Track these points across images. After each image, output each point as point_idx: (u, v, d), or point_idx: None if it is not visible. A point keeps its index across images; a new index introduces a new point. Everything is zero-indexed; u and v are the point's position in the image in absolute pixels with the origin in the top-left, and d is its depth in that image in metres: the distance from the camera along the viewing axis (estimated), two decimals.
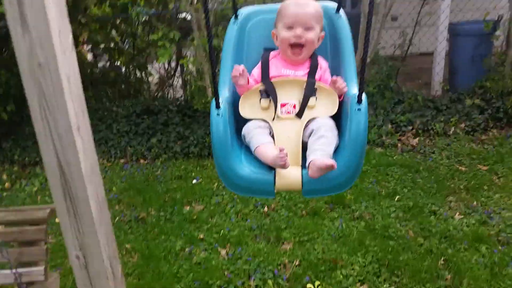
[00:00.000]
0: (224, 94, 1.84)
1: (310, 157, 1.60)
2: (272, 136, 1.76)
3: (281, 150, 1.55)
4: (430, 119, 5.24)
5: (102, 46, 6.39)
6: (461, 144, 4.85)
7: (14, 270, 2.13)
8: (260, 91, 1.78)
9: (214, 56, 1.65)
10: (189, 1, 4.77)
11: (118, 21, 6.38)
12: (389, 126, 5.17)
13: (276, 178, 1.63)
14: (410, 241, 3.26)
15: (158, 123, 5.59)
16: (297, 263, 3.16)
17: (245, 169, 1.70)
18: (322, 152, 1.57)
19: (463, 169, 4.31)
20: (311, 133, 1.69)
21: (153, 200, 4.23)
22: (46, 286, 2.24)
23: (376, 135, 5.06)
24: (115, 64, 6.89)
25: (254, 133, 1.75)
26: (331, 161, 1.51)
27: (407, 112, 5.33)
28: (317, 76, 1.81)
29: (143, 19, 5.26)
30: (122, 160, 5.26)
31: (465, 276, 2.83)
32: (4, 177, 5.11)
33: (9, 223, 2.28)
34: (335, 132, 1.69)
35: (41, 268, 2.22)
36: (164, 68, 6.47)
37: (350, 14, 6.12)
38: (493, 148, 4.68)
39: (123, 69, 6.73)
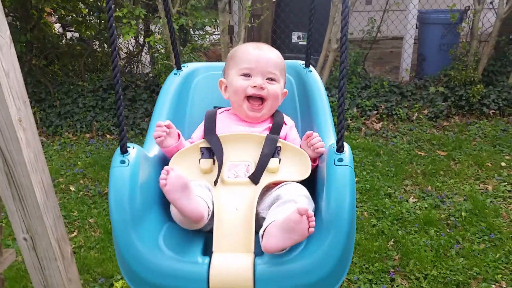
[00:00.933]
0: (151, 152, 1.44)
1: (269, 220, 1.14)
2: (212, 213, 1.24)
3: (164, 169, 1.12)
4: (395, 104, 5.38)
5: (68, 18, 6.25)
6: (423, 130, 5.01)
7: None
8: (200, 148, 1.36)
9: (121, 98, 1.23)
10: None
11: None
12: (355, 110, 5.28)
13: (211, 270, 1.10)
14: (364, 222, 3.40)
15: (125, 99, 5.54)
16: None
17: (160, 254, 1.16)
18: (293, 209, 1.07)
19: (422, 154, 4.47)
20: (272, 204, 1.24)
21: None
22: (1, 261, 2.26)
23: None
24: (83, 37, 6.75)
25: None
26: (309, 213, 1.03)
27: (372, 97, 5.45)
28: (281, 134, 1.45)
29: None
30: (87, 135, 5.23)
31: (412, 257, 2.98)
32: None
33: None
34: (311, 202, 1.23)
35: None
36: (131, 44, 6.38)
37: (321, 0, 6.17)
38: (453, 135, 4.86)
39: (90, 43, 6.60)
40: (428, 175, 4.07)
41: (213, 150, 1.35)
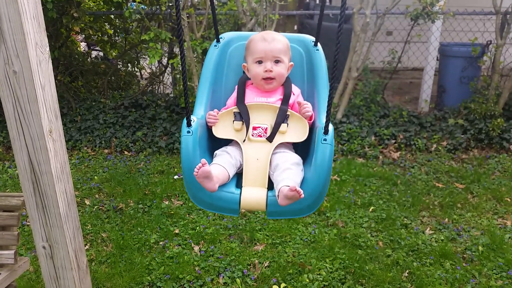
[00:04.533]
0: (199, 113, 1.91)
1: (278, 186, 1.64)
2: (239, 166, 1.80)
3: (203, 164, 1.57)
4: (414, 134, 5.34)
5: (95, 38, 6.45)
6: (441, 161, 4.95)
7: None
8: (234, 113, 1.86)
9: (186, 77, 1.69)
10: (181, 5, 4.84)
11: (112, 16, 6.44)
12: (373, 138, 5.26)
13: (242, 197, 1.69)
14: (378, 252, 3.34)
15: (145, 117, 5.64)
16: (266, 264, 3.23)
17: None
18: (289, 181, 1.60)
19: (440, 185, 4.41)
20: (275, 167, 1.73)
21: (133, 192, 4.28)
22: (15, 269, 2.29)
23: (359, 146, 5.15)
24: (107, 56, 6.94)
25: (218, 155, 1.81)
26: (298, 190, 1.54)
27: (391, 126, 5.43)
28: (290, 102, 1.90)
29: (136, 17, 5.32)
30: (106, 151, 5.30)
31: None
32: None
33: None
34: (301, 166, 1.75)
35: (11, 252, 2.27)
36: (155, 64, 6.53)
37: (344, 29, 6.25)
38: (471, 168, 4.79)
39: (115, 62, 6.78)
40: (446, 207, 4.00)
41: (242, 116, 1.84)
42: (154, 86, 6.62)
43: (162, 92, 6.58)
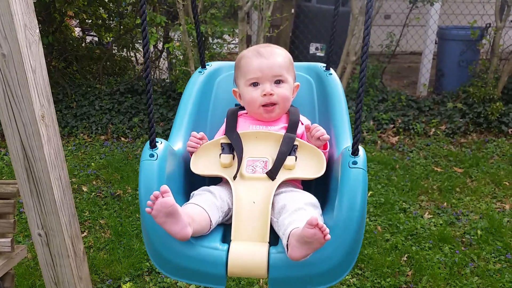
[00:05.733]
0: (176, 145, 1.52)
1: (287, 230, 1.16)
2: (226, 211, 1.35)
3: (162, 192, 1.12)
4: (412, 118, 5.32)
5: (89, 22, 6.35)
6: (440, 146, 4.94)
7: None
8: (221, 144, 1.42)
9: (151, 100, 1.31)
10: None
11: (106, 0, 6.34)
12: (371, 123, 5.23)
13: (230, 256, 1.19)
14: (377, 236, 3.34)
15: (141, 103, 5.59)
16: None
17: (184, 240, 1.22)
18: (303, 223, 1.10)
19: (439, 170, 4.40)
20: (281, 210, 1.28)
21: (130, 178, 4.25)
22: (12, 257, 2.27)
23: None
24: (102, 41, 6.84)
25: (195, 196, 1.36)
26: (321, 224, 1.05)
27: (389, 111, 5.40)
28: (298, 132, 1.48)
29: (131, 0, 5.23)
30: (102, 137, 5.26)
31: (425, 274, 2.91)
32: None
33: None
34: (319, 210, 1.29)
35: (8, 240, 2.25)
36: (150, 49, 6.44)
37: (340, 12, 6.18)
38: (470, 152, 4.78)
39: (109, 46, 6.69)
40: (444, 191, 3.99)
41: (233, 146, 1.40)
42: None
43: (158, 77, 6.51)
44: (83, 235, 3.41)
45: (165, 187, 1.11)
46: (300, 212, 1.21)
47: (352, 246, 1.19)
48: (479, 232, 3.36)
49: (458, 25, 6.36)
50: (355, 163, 1.22)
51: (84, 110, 5.49)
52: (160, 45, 6.38)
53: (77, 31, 7.30)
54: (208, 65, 1.84)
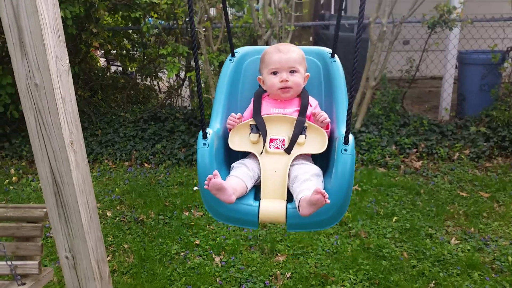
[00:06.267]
0: (215, 126, 1.90)
1: (298, 196, 1.60)
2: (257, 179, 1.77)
3: (214, 176, 1.55)
4: (435, 143, 5.26)
5: (114, 52, 6.57)
6: (465, 170, 4.85)
7: (9, 262, 2.21)
8: (250, 125, 1.83)
9: (201, 90, 1.69)
10: (198, 19, 4.90)
11: (130, 31, 6.56)
12: (393, 147, 5.19)
13: (260, 209, 1.65)
14: (403, 262, 3.27)
15: (164, 129, 5.69)
16: (288, 275, 3.18)
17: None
18: (310, 192, 1.54)
19: (464, 194, 4.31)
20: (294, 179, 1.70)
21: (153, 203, 4.29)
22: (39, 279, 2.30)
23: (380, 156, 5.09)
24: (126, 71, 7.04)
25: (235, 168, 1.78)
26: (323, 192, 1.48)
27: (412, 135, 5.36)
28: (307, 113, 1.86)
29: (154, 32, 5.40)
30: (126, 163, 5.34)
31: None
32: (12, 171, 5.21)
33: (8, 219, 2.36)
34: (321, 178, 1.72)
35: (35, 262, 2.29)
36: (173, 78, 6.60)
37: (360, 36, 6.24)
38: (496, 176, 4.68)
39: (133, 76, 6.88)
40: (471, 216, 3.90)
41: (259, 128, 1.80)
42: (172, 99, 6.68)
43: (180, 105, 6.63)
44: (107, 259, 3.43)
45: (215, 172, 1.55)
46: (308, 182, 1.64)
47: (343, 202, 1.67)
48: (510, 258, 3.26)
49: (478, 49, 6.34)
50: (345, 150, 1.60)
51: (108, 137, 5.61)
52: (182, 74, 6.53)
53: (102, 61, 7.55)
54: (236, 52, 2.13)
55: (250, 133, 1.81)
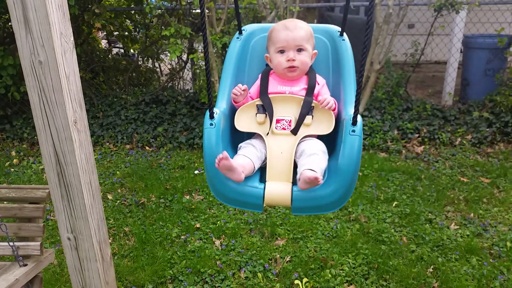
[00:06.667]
0: (221, 106, 1.86)
1: (301, 168, 1.59)
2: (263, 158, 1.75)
3: (224, 157, 1.53)
4: (437, 128, 5.23)
5: (116, 33, 6.51)
6: (466, 156, 4.84)
7: (11, 243, 2.22)
8: (257, 105, 1.79)
9: (209, 69, 1.63)
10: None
11: (133, 12, 6.49)
12: (395, 132, 5.17)
13: (266, 192, 1.62)
14: (402, 247, 3.28)
15: (166, 113, 5.67)
16: (288, 259, 3.21)
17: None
18: (314, 165, 1.55)
19: (465, 180, 4.31)
20: (301, 154, 1.68)
21: (154, 187, 4.31)
22: (41, 260, 2.32)
23: (381, 140, 5.07)
24: (128, 52, 6.99)
25: (242, 148, 1.75)
26: (317, 175, 1.49)
27: (414, 120, 5.33)
28: (314, 93, 1.83)
29: (157, 12, 5.34)
30: (127, 146, 5.35)
31: (452, 286, 2.85)
32: (13, 153, 5.23)
33: (10, 200, 2.37)
34: (326, 156, 1.69)
35: (37, 243, 2.31)
36: (175, 60, 6.55)
37: (361, 21, 6.15)
38: (497, 162, 4.66)
39: (136, 58, 6.84)
40: (471, 202, 3.91)
41: (265, 108, 1.77)
42: (174, 82, 6.65)
43: (182, 88, 6.60)
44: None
45: (225, 154, 1.53)
46: (314, 156, 1.62)
47: (349, 185, 1.61)
48: (508, 244, 3.27)
49: (484, 33, 6.25)
50: (353, 131, 1.56)
51: (110, 120, 5.60)
52: (184, 57, 6.48)
53: (104, 43, 7.50)
54: (243, 30, 2.08)
55: (256, 113, 1.78)
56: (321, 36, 2.02)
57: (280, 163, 1.66)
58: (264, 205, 1.64)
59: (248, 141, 1.81)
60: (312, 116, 1.74)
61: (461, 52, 6.14)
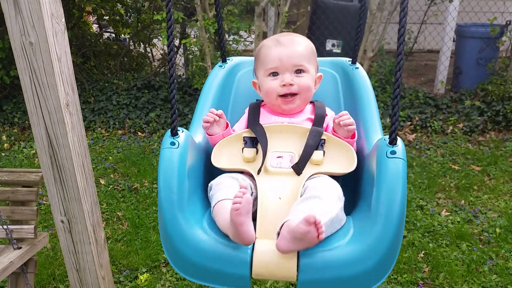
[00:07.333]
0: (195, 136, 1.46)
1: (285, 219, 1.08)
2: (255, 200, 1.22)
3: (241, 187, 1.05)
4: (429, 116, 5.27)
5: (107, 17, 6.42)
6: (457, 144, 4.88)
7: (5, 226, 2.21)
8: (244, 138, 1.35)
9: (175, 84, 1.33)
10: None
11: None
12: (388, 120, 5.19)
13: (254, 256, 1.06)
14: None
15: (158, 98, 5.64)
16: None
17: (205, 236, 1.12)
18: (312, 212, 1.02)
19: (456, 167, 4.35)
20: (302, 194, 1.21)
21: (147, 172, 4.29)
22: (35, 243, 2.32)
23: None
24: (119, 37, 6.91)
25: (222, 185, 1.24)
26: (317, 220, 0.97)
27: (406, 108, 5.36)
28: (324, 125, 1.40)
29: None
30: (120, 131, 5.32)
31: (442, 270, 2.89)
32: (4, 138, 5.17)
33: (3, 183, 2.35)
34: (340, 200, 1.18)
35: (31, 226, 2.30)
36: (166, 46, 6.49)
37: (355, 7, 6.13)
38: (488, 150, 4.72)
39: (127, 43, 6.76)
40: (462, 189, 3.95)
41: (257, 139, 1.32)
42: (166, 67, 6.59)
43: (175, 73, 6.54)
44: None
45: (245, 184, 1.07)
46: (314, 200, 1.10)
47: (392, 245, 1.06)
48: (497, 230, 3.32)
49: (477, 22, 6.27)
50: (393, 152, 1.12)
51: (101, 105, 5.55)
52: (176, 42, 6.42)
53: (95, 27, 7.40)
54: (229, 59, 1.80)
55: (243, 148, 1.33)
56: (329, 69, 1.74)
57: (277, 213, 1.15)
58: (253, 275, 1.08)
59: (228, 174, 1.30)
60: (324, 152, 1.29)
61: (453, 41, 6.16)
